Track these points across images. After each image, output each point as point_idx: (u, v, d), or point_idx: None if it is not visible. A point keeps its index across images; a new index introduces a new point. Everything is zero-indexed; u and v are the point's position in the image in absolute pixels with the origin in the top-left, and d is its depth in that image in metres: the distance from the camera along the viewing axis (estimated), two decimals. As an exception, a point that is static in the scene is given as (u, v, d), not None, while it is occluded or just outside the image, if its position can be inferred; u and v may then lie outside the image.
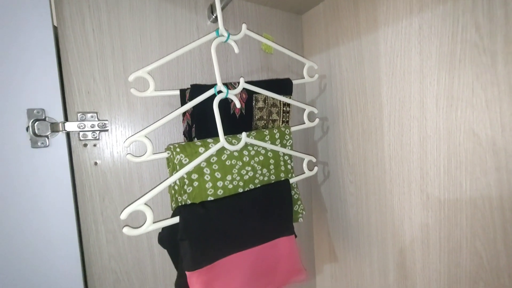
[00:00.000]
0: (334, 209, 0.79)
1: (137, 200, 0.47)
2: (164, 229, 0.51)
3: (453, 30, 0.48)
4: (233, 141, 0.56)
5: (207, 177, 0.53)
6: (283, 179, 0.64)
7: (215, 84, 0.53)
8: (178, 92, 0.56)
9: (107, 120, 0.53)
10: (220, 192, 0.54)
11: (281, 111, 0.68)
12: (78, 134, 0.51)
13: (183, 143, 0.52)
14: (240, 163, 0.57)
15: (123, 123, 0.55)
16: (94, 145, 0.53)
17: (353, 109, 0.70)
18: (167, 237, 0.51)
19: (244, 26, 0.57)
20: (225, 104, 0.58)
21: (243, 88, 0.57)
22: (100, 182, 0.53)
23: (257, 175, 0.60)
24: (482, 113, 0.45)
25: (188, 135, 0.58)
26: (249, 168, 0.58)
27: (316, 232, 0.89)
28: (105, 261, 0.54)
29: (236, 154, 0.57)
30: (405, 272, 0.61)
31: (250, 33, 0.59)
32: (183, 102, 0.56)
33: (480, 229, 0.47)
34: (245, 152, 0.58)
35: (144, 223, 0.47)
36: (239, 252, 0.54)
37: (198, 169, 0.52)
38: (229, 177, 0.55)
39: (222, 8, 0.57)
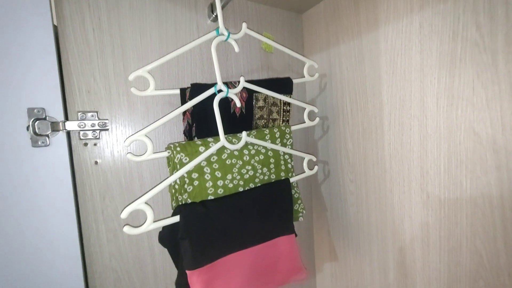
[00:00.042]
0: (334, 208, 0.79)
1: (137, 199, 0.47)
2: (164, 228, 0.51)
3: (453, 28, 0.48)
4: (234, 140, 0.56)
5: (208, 176, 0.53)
6: (283, 178, 0.64)
7: (215, 83, 0.53)
8: (178, 91, 0.56)
9: (107, 119, 0.53)
10: (220, 191, 0.54)
11: (282, 110, 0.68)
12: (79, 133, 0.51)
13: (184, 142, 0.52)
14: (241, 162, 0.57)
15: (124, 122, 0.55)
16: (95, 144, 0.53)
17: (353, 108, 0.69)
18: (167, 236, 0.51)
19: (244, 25, 0.57)
20: (226, 103, 0.58)
21: (244, 87, 0.57)
22: (101, 181, 0.53)
23: (258, 174, 0.60)
24: (482, 112, 0.45)
25: (188, 134, 0.58)
26: (250, 167, 0.58)
27: (316, 231, 0.89)
28: (106, 260, 0.54)
29: (236, 153, 0.57)
30: (405, 271, 0.61)
31: (250, 32, 0.59)
32: (183, 101, 0.56)
33: (480, 228, 0.47)
34: (246, 151, 0.58)
35: (144, 222, 0.47)
36: (239, 251, 0.54)
37: (199, 168, 0.52)
38: (229, 176, 0.55)
39: (222, 7, 0.57)
